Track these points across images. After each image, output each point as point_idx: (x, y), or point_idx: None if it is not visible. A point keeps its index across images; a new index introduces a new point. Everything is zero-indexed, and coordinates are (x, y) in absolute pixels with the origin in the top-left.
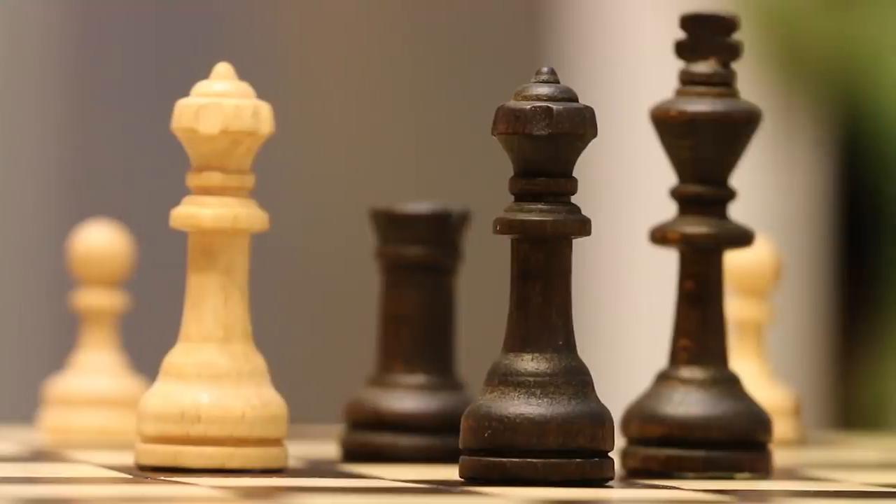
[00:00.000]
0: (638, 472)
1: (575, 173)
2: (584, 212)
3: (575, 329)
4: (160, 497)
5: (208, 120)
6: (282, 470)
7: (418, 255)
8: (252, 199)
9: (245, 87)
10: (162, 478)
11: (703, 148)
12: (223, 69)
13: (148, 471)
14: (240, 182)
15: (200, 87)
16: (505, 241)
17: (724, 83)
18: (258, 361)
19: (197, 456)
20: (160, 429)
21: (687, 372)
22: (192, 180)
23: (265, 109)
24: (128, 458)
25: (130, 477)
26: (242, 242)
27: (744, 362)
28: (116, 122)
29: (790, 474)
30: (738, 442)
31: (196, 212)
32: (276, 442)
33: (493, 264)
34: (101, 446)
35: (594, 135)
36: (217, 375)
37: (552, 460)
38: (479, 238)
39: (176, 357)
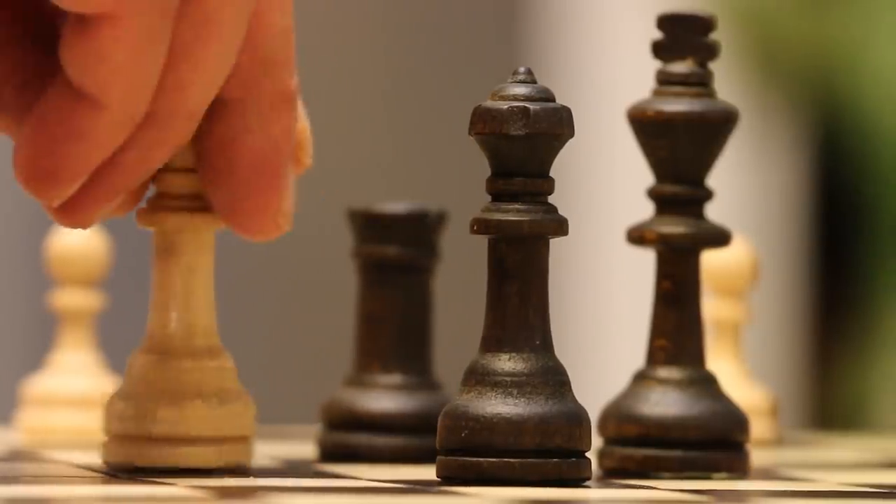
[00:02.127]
0: (615, 472)
1: (552, 173)
2: (561, 212)
3: (552, 329)
4: (137, 497)
5: None
6: (246, 469)
7: (395, 255)
8: None
9: None
10: (138, 478)
11: (680, 148)
12: None
13: (113, 469)
14: None
15: None
16: (482, 241)
17: (701, 83)
18: (222, 359)
19: (158, 454)
20: (122, 427)
21: (664, 372)
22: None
23: None
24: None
25: (107, 477)
26: (205, 240)
27: (721, 362)
28: None
29: (767, 474)
30: (715, 442)
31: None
32: (242, 440)
33: (471, 264)
34: (78, 446)
35: (571, 135)
36: (179, 373)
37: (529, 460)
38: (457, 238)
39: (138, 356)
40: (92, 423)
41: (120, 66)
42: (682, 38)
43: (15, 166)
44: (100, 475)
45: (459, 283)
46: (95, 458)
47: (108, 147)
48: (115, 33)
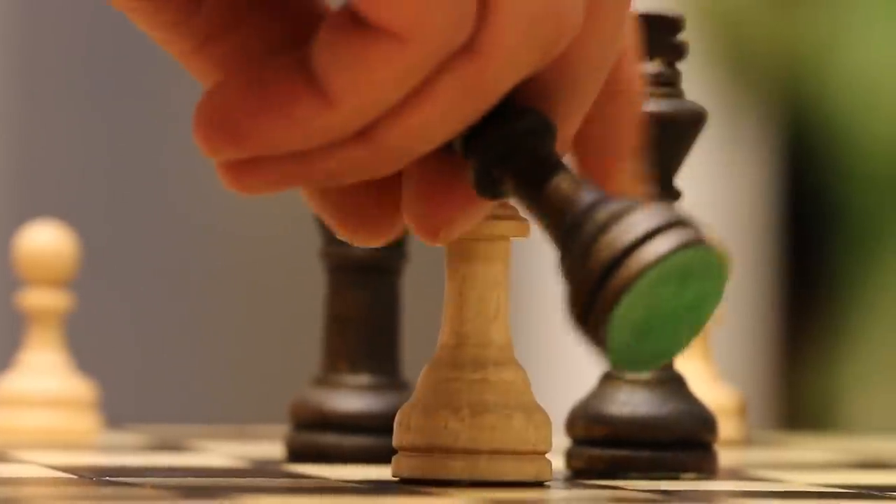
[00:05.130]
0: (583, 473)
1: None
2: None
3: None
4: (104, 496)
5: None
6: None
7: (364, 256)
8: None
9: None
10: (105, 478)
11: (648, 148)
12: None
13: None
14: None
15: None
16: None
17: (669, 83)
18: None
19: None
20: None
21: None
22: None
23: None
24: (74, 459)
25: (76, 478)
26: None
27: (689, 362)
28: (62, 122)
29: (735, 474)
30: (682, 442)
31: None
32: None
33: (439, 265)
34: (46, 446)
35: None
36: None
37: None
38: None
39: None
40: (60, 423)
41: None
42: (650, 38)
43: (201, 111)
44: (68, 476)
45: (427, 283)
46: (64, 459)
47: (403, 86)
48: None
